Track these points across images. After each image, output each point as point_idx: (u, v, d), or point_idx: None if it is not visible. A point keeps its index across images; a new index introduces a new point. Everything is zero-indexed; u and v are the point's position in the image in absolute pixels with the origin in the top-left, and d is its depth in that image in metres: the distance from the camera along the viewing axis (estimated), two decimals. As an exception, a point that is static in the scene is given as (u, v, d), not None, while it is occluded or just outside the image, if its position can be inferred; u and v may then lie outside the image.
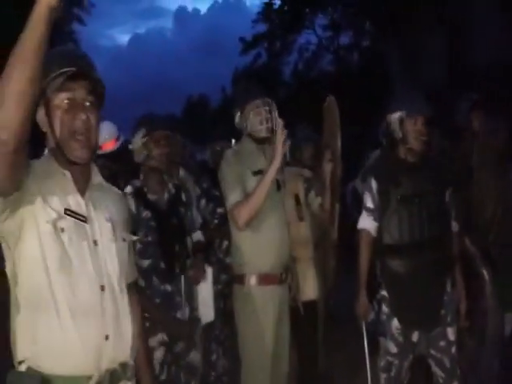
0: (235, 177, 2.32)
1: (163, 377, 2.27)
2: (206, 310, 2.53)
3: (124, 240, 1.32)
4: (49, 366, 1.14)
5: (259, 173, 2.31)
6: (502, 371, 2.82)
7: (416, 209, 2.31)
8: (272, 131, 2.30)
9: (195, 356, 2.41)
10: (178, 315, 2.32)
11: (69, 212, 1.18)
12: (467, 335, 2.56)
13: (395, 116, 2.36)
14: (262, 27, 22.88)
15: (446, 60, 12.71)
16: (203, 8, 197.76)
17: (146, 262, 2.29)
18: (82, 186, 1.25)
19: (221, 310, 2.86)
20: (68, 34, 17.70)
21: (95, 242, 1.22)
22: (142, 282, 2.22)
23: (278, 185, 2.41)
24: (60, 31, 16.28)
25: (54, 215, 1.15)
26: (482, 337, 2.59)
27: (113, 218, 1.29)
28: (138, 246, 2.24)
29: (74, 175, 1.23)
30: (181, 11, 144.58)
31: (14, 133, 0.96)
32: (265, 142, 2.39)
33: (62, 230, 1.15)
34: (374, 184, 2.39)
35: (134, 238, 1.43)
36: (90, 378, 1.17)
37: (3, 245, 1.16)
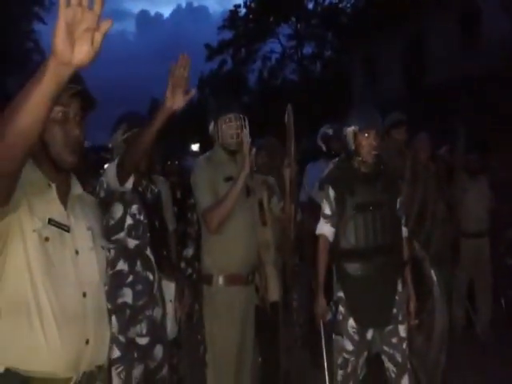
0: (207, 183, 2.40)
1: None
2: (172, 326, 2.39)
3: (103, 247, 1.37)
4: (28, 367, 1.15)
5: (230, 179, 2.41)
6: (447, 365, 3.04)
7: (370, 216, 2.44)
8: (241, 144, 2.39)
9: (166, 372, 2.27)
10: (154, 313, 2.20)
11: (53, 222, 1.21)
12: (416, 332, 2.74)
13: (349, 130, 2.48)
14: (227, 34, 23.02)
15: (403, 74, 13.21)
16: (166, 13, 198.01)
17: (133, 243, 2.16)
18: (64, 197, 1.29)
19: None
20: (27, 33, 16.93)
21: (77, 251, 1.26)
22: (123, 266, 2.11)
23: (248, 191, 2.51)
24: (18, 30, 15.64)
25: (39, 224, 1.17)
26: (430, 334, 2.78)
27: (92, 226, 1.34)
28: (129, 221, 2.15)
29: (58, 186, 1.26)
30: (143, 15, 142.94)
31: (15, 166, 0.99)
32: (235, 154, 2.49)
33: (47, 238, 1.18)
34: (331, 192, 2.50)
35: (111, 245, 1.47)
36: (69, 379, 1.20)
37: None
